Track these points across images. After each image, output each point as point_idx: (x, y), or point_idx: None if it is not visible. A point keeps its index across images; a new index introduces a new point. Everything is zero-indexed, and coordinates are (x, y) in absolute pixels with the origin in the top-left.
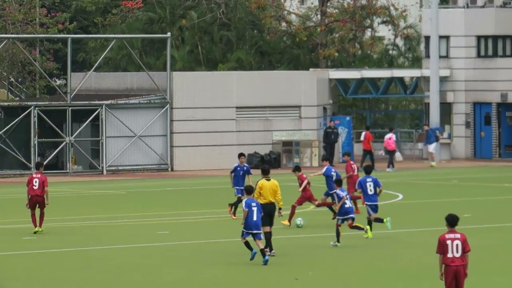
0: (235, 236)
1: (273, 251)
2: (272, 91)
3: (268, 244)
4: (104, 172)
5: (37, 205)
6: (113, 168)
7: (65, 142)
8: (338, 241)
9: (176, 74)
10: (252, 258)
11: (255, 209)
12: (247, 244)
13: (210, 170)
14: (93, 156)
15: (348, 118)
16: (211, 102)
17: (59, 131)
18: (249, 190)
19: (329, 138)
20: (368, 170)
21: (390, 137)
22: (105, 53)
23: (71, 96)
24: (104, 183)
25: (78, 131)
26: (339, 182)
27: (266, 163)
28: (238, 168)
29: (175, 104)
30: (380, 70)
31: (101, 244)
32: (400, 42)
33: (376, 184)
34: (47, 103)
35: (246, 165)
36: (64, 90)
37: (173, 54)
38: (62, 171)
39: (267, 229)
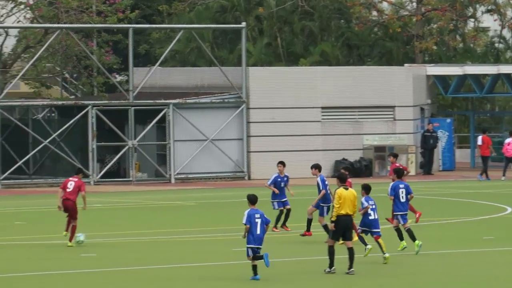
0: (320, 254)
1: (352, 269)
2: (362, 89)
3: (351, 261)
4: (172, 180)
5: (68, 213)
6: (182, 176)
7: (127, 147)
8: (365, 244)
9: (253, 70)
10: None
11: (259, 221)
12: (254, 268)
13: (292, 179)
14: (160, 163)
15: (448, 120)
16: (292, 102)
17: (120, 133)
18: (253, 200)
19: (428, 143)
20: (399, 174)
21: (510, 142)
22: (171, 45)
23: (134, 94)
24: (172, 193)
25: (142, 134)
26: (367, 189)
27: (357, 171)
28: (279, 179)
29: (252, 103)
30: (484, 66)
31: (167, 262)
32: (507, 33)
33: (408, 190)
34: (106, 102)
35: (286, 174)
36: (126, 87)
37: (248, 47)
38: (125, 179)
39: (349, 244)
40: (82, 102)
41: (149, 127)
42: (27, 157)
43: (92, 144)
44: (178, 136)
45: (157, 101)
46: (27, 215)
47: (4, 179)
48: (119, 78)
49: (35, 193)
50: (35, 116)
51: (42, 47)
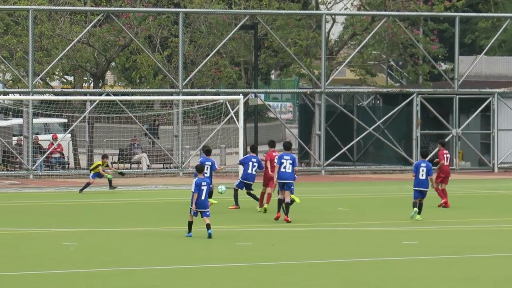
0: None
1: None
2: None
3: None
4: (495, 169)
5: None
6: (506, 165)
7: (451, 135)
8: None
9: None
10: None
11: (204, 188)
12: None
13: None
14: (483, 151)
15: None
16: None
17: (444, 122)
18: (200, 169)
19: None
20: (424, 154)
21: None
22: (497, 34)
23: (459, 83)
24: (495, 182)
25: (466, 122)
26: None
27: None
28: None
29: None
30: None
31: (481, 251)
32: None
33: (429, 171)
34: (431, 90)
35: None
36: (451, 76)
37: None
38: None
39: None
40: (407, 90)
41: (473, 116)
42: (351, 143)
43: (416, 132)
44: (502, 125)
45: (482, 90)
46: (351, 201)
47: (328, 165)
48: (444, 66)
49: (358, 180)
50: (360, 103)
51: (369, 34)
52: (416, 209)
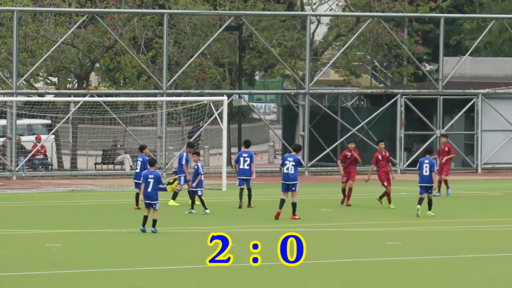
0: None
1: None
2: None
3: None
4: (479, 170)
5: None
6: (489, 166)
7: (435, 136)
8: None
9: None
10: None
11: (151, 180)
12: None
13: None
14: (467, 152)
15: None
16: None
17: (428, 123)
18: (152, 163)
19: None
20: (429, 151)
21: None
22: (482, 35)
23: (443, 84)
24: (478, 183)
25: (450, 123)
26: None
27: None
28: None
29: None
30: None
31: (465, 252)
32: None
33: (432, 167)
34: (415, 91)
35: None
36: (435, 77)
37: None
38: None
39: None
40: (392, 90)
41: (457, 116)
42: (335, 144)
43: (400, 133)
44: (486, 126)
45: (466, 91)
46: (334, 202)
47: (312, 166)
48: (428, 67)
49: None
50: (344, 104)
51: (353, 35)
52: (419, 206)
